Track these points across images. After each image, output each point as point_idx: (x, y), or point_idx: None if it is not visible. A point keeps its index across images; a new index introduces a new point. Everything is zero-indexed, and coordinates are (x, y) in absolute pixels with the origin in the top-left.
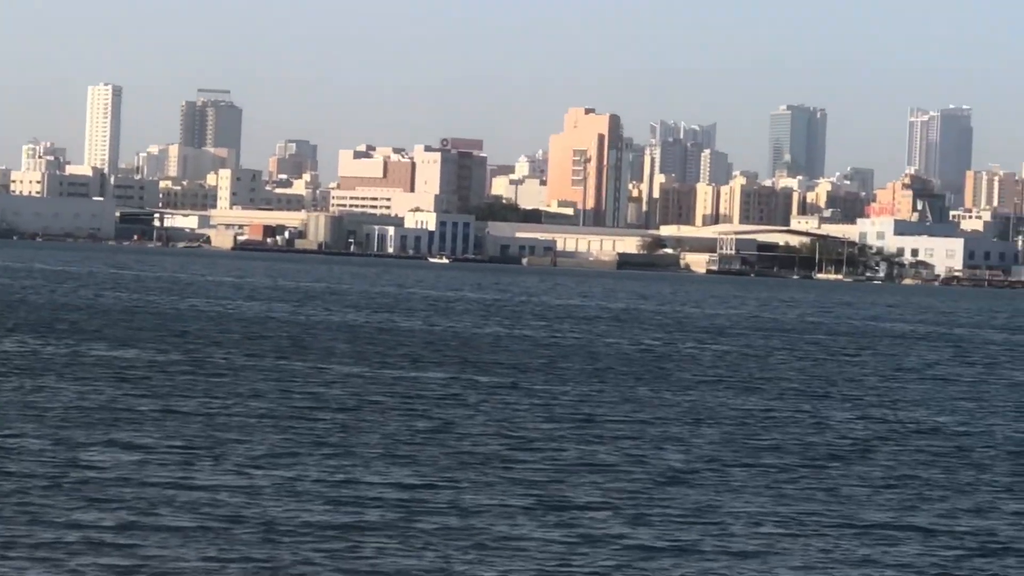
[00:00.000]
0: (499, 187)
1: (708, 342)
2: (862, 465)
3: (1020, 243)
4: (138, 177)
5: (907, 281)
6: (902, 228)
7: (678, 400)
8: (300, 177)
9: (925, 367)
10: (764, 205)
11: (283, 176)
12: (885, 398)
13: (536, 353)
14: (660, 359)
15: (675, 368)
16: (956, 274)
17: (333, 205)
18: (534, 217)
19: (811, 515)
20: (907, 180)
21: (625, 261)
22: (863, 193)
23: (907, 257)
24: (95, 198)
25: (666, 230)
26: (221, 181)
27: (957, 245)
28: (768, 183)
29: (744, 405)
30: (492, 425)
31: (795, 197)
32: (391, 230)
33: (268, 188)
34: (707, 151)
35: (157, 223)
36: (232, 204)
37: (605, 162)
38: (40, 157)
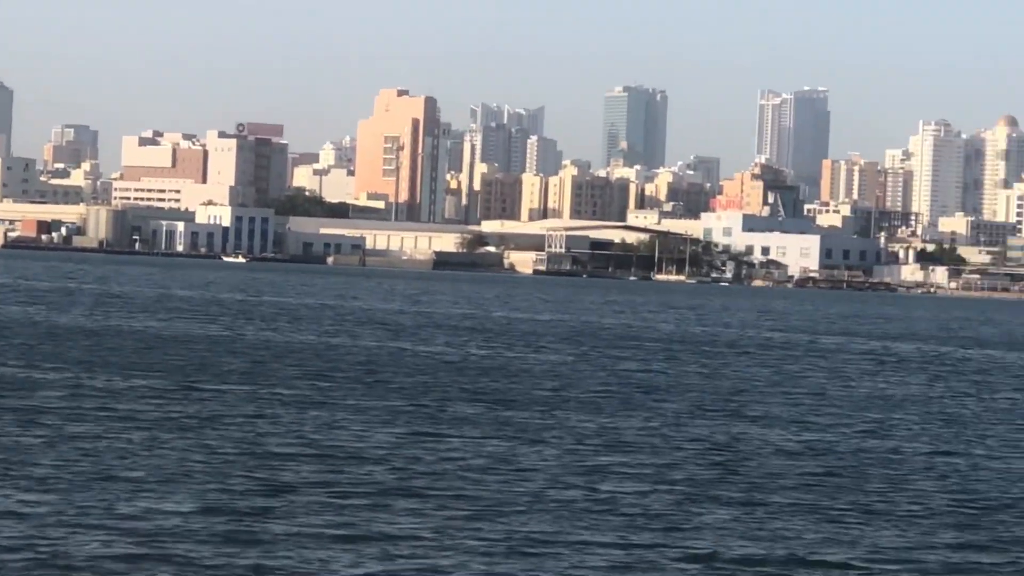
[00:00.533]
0: (302, 178)
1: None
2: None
3: (882, 240)
4: None
5: (757, 282)
6: (752, 224)
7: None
8: (79, 166)
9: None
10: (598, 198)
11: (59, 165)
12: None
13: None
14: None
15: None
16: (812, 275)
17: (116, 198)
18: (341, 211)
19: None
20: (757, 170)
21: (443, 261)
22: (708, 185)
23: (757, 256)
24: None
25: (488, 226)
26: None
27: (813, 243)
28: (602, 173)
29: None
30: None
31: (632, 189)
32: (180, 226)
33: (43, 179)
34: (534, 138)
35: None
36: (2, 196)
37: (420, 150)
38: None
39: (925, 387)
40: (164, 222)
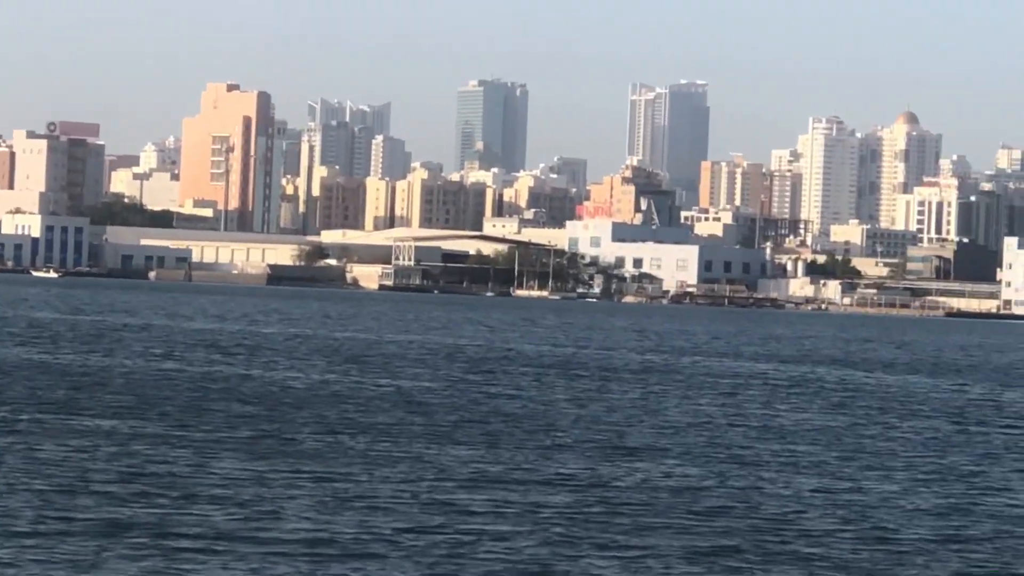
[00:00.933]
0: (120, 183)
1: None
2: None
3: (768, 251)
4: None
5: (629, 298)
6: (622, 233)
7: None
8: None
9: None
10: (451, 205)
11: None
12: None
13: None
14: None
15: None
16: (689, 290)
17: None
18: (164, 221)
19: None
20: (628, 173)
21: (278, 275)
22: (574, 190)
23: (629, 269)
24: None
25: (328, 236)
26: None
27: (691, 254)
28: (456, 177)
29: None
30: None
31: (489, 194)
32: None
33: None
34: (379, 137)
35: None
36: None
37: (252, 152)
38: None
39: (825, 415)
40: None
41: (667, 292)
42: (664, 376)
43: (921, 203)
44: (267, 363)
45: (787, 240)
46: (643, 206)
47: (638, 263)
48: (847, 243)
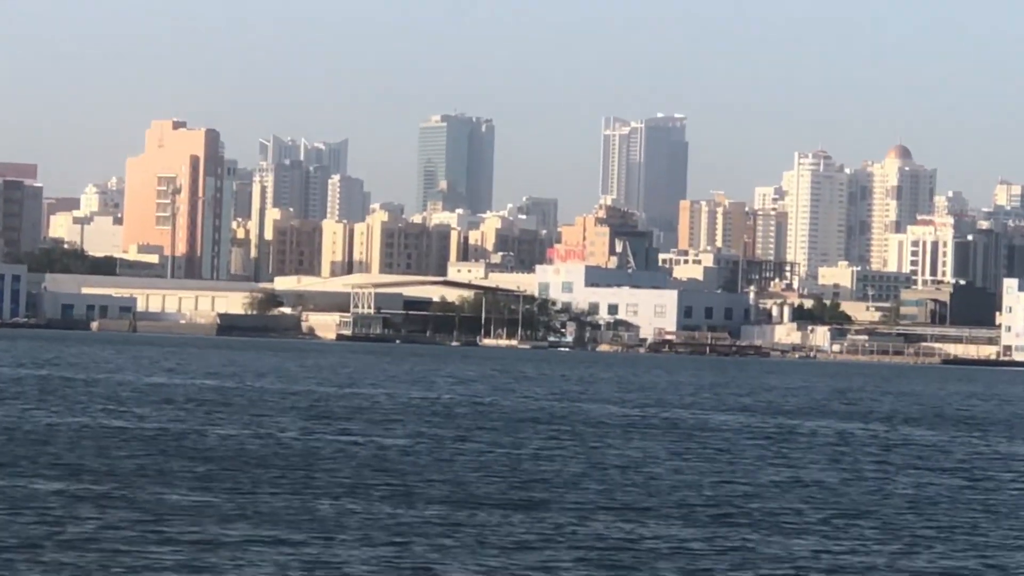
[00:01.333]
0: (60, 227)
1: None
2: None
3: (752, 295)
4: None
5: (604, 347)
6: (596, 277)
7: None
8: None
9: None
10: (413, 248)
11: None
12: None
13: None
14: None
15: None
16: (668, 337)
17: None
18: (107, 268)
19: None
20: (602, 213)
21: (229, 325)
22: (544, 231)
23: (603, 316)
24: None
25: (282, 283)
26: None
27: (669, 299)
28: (418, 219)
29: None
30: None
31: (454, 237)
32: None
33: None
34: (336, 177)
35: None
36: None
37: (201, 193)
38: None
39: (829, 471)
40: None
41: (644, 340)
42: (689, 432)
43: (915, 243)
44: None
45: (772, 284)
46: (618, 248)
47: (613, 309)
48: (836, 286)
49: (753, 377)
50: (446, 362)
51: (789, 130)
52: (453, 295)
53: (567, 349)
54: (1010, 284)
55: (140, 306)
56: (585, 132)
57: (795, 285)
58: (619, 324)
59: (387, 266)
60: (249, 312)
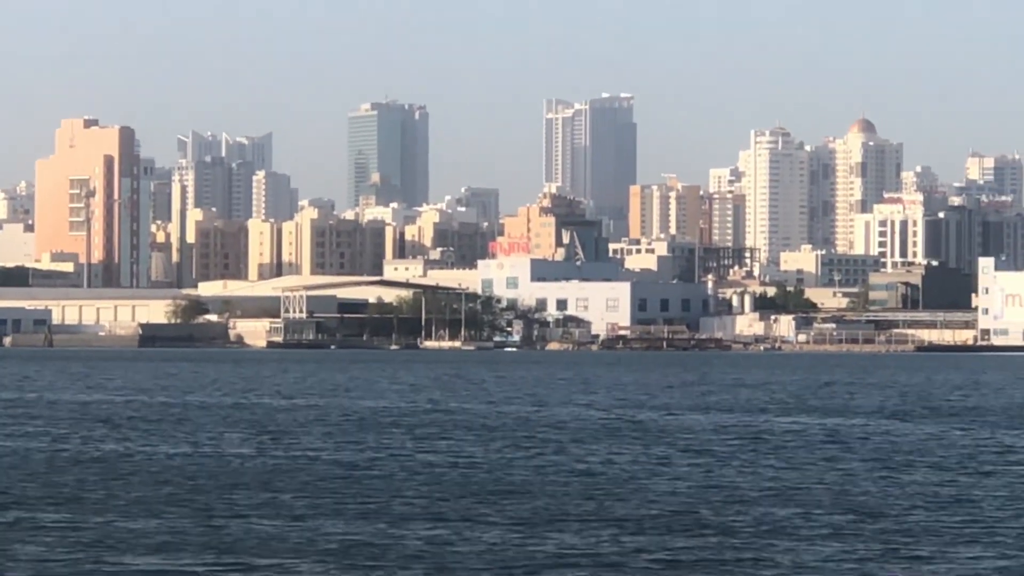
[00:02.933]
0: None
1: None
2: None
3: (710, 285)
4: None
5: (553, 345)
6: (543, 271)
7: None
8: None
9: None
10: (346, 247)
11: None
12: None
13: None
14: None
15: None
16: (622, 333)
17: None
18: (19, 278)
19: None
20: (547, 202)
21: (152, 335)
22: (486, 224)
23: (552, 312)
24: None
25: (207, 288)
26: None
27: (622, 292)
28: (350, 215)
29: None
30: None
31: (389, 233)
32: None
33: None
34: (261, 173)
35: None
36: None
37: (116, 195)
38: None
39: (824, 471)
40: None
41: (597, 337)
42: (645, 435)
43: (883, 223)
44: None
45: (731, 272)
46: (565, 239)
47: (562, 305)
48: (800, 272)
49: (721, 372)
50: (402, 368)
51: (744, 107)
52: (391, 295)
53: (514, 349)
54: (986, 264)
55: (56, 318)
56: (526, 116)
57: (756, 272)
58: (569, 320)
59: (319, 267)
60: (173, 321)
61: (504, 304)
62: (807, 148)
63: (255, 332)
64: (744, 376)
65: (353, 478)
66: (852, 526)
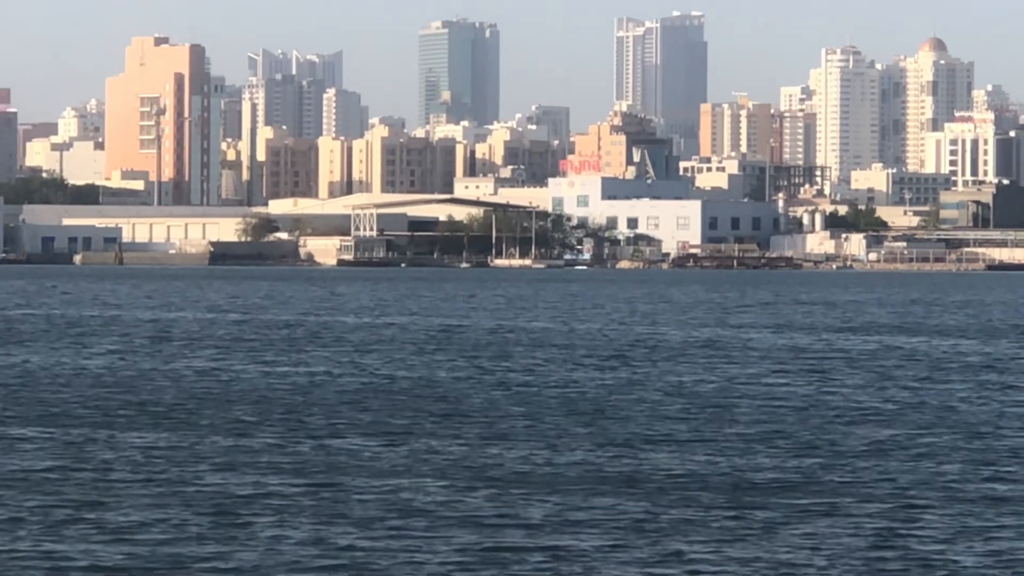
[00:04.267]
0: (37, 155)
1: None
2: None
3: (781, 203)
4: None
5: (624, 264)
6: (614, 189)
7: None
8: None
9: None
10: (416, 165)
11: None
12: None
13: None
14: None
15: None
16: (693, 251)
17: None
18: (89, 196)
19: None
20: (617, 121)
21: (222, 253)
22: (556, 142)
23: (623, 230)
24: None
25: (278, 207)
26: None
27: (693, 210)
28: (421, 133)
29: None
30: None
31: (460, 152)
32: None
33: None
34: (331, 91)
35: None
36: None
37: (187, 113)
38: None
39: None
40: None
41: (667, 255)
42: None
43: (953, 141)
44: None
45: (802, 190)
46: (636, 158)
47: (633, 223)
48: (871, 191)
49: (821, 289)
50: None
51: (815, 25)
52: (461, 214)
53: (585, 267)
54: None
55: (126, 236)
56: (596, 34)
57: (826, 191)
58: (639, 239)
59: (389, 185)
60: (243, 239)
61: (574, 222)
62: (878, 66)
63: (325, 250)
64: (846, 296)
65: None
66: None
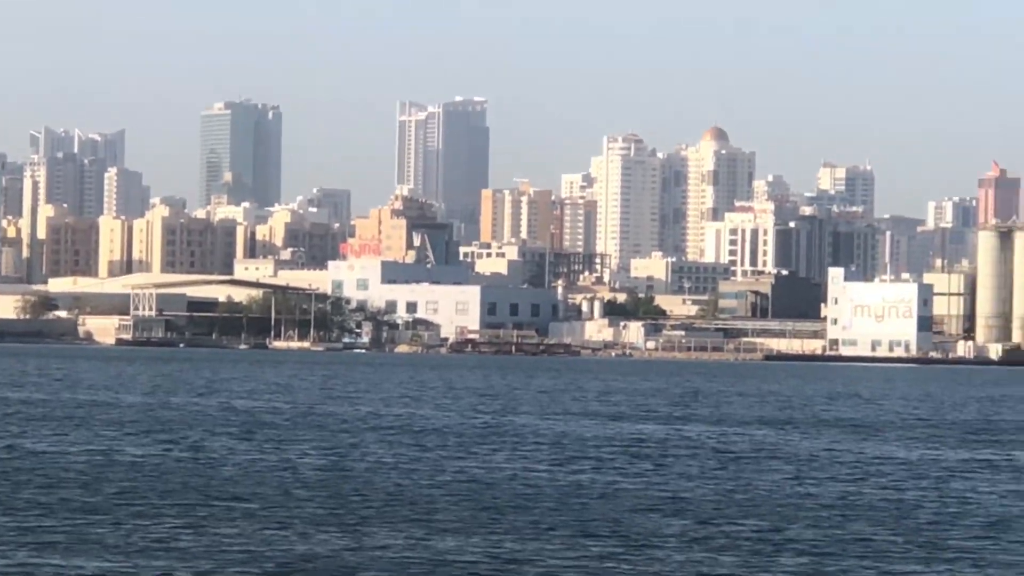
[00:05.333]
0: None
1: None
2: None
3: (560, 290)
4: None
5: (402, 348)
6: (393, 273)
7: None
8: None
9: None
10: (196, 246)
11: None
12: None
13: None
14: None
15: None
16: (471, 336)
17: None
18: None
19: None
20: (398, 205)
21: (1, 330)
22: (337, 225)
23: (401, 314)
24: None
25: (57, 285)
26: None
27: (472, 296)
28: (202, 214)
29: None
30: None
31: (240, 233)
32: None
33: None
34: (113, 170)
35: None
36: None
37: None
38: None
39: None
40: None
41: (446, 340)
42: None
43: (733, 231)
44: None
45: (582, 277)
46: (416, 242)
47: (412, 307)
48: (650, 279)
49: (594, 378)
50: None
51: (598, 113)
52: (241, 295)
53: (363, 351)
54: (835, 274)
55: None
56: (379, 118)
57: (606, 278)
58: (418, 323)
59: (169, 265)
60: (22, 317)
61: (354, 305)
62: (659, 155)
63: (104, 329)
64: (617, 384)
65: None
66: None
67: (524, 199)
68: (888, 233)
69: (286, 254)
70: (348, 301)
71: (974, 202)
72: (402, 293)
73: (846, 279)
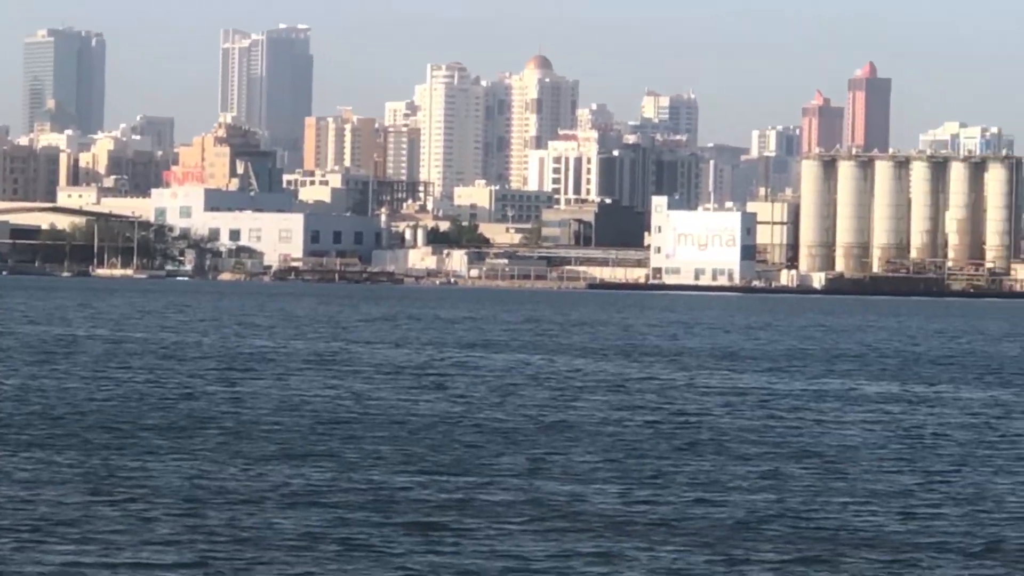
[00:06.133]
0: None
1: None
2: None
3: (383, 218)
4: None
5: (225, 276)
6: (216, 201)
7: None
8: None
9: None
10: (19, 173)
11: None
12: None
13: None
14: None
15: None
16: (295, 264)
17: None
18: None
19: None
20: (222, 132)
21: None
22: (160, 152)
23: (225, 242)
24: None
25: None
26: None
27: (295, 223)
28: (24, 141)
29: None
30: None
31: (64, 160)
32: None
33: None
34: None
35: None
36: None
37: None
38: None
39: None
40: None
41: (270, 268)
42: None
43: (557, 159)
44: None
45: (405, 205)
46: (240, 170)
47: (235, 235)
48: (473, 207)
49: (403, 306)
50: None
51: (422, 41)
52: (64, 222)
53: (187, 279)
54: (659, 202)
55: None
56: (202, 45)
57: (429, 207)
58: (241, 251)
59: None
60: None
61: (177, 233)
62: (483, 83)
63: None
64: (457, 312)
65: None
66: None
67: (348, 127)
68: (712, 162)
69: (109, 181)
70: (171, 229)
71: (798, 131)
72: (225, 221)
73: (670, 208)
